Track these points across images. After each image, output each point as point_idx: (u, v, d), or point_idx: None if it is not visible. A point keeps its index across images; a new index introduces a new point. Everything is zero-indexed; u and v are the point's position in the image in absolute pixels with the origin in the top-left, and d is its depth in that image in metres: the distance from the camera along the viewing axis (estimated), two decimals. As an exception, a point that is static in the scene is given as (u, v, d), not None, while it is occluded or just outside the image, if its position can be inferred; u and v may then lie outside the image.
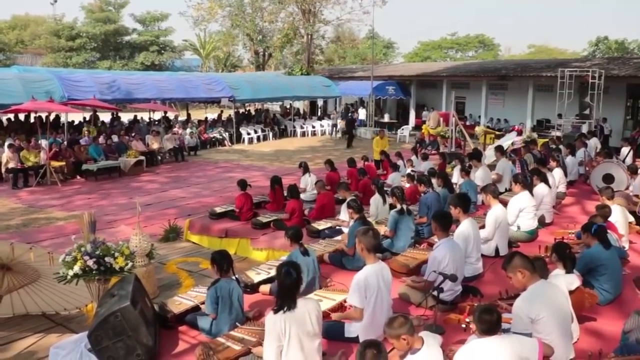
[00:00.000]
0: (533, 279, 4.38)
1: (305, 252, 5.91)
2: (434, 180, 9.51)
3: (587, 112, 19.41)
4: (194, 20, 35.31)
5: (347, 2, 33.60)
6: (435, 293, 4.98)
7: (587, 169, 13.88)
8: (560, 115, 22.45)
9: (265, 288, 6.01)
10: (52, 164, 15.33)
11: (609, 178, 11.45)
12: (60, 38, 47.32)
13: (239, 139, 25.09)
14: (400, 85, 31.45)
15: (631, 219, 8.15)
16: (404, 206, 7.53)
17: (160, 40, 50.86)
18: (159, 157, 19.19)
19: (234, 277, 5.19)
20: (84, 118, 23.46)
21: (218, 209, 10.57)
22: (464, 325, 4.64)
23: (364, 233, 4.86)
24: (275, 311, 4.03)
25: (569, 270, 5.21)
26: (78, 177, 16.37)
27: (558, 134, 20.24)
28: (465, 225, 6.26)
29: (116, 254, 5.29)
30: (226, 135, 24.61)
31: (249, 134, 25.37)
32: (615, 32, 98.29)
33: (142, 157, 17.46)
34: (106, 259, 5.23)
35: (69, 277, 5.21)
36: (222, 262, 5.10)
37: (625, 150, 14.79)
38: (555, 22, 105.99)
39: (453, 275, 5.00)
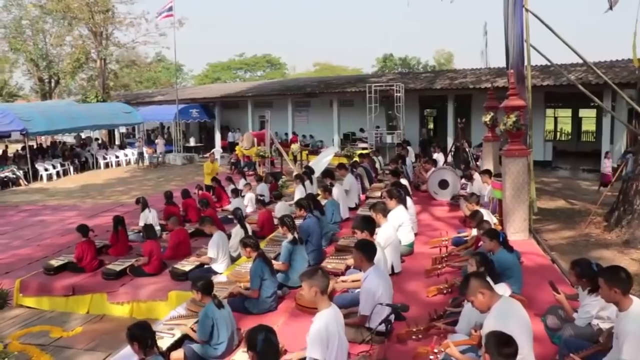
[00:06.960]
0: (494, 297, 4.27)
1: (220, 305, 5.10)
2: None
3: (393, 123, 20.85)
4: (-41, 44, 30.45)
5: (142, 24, 31.40)
6: (382, 327, 4.63)
7: (413, 175, 14.83)
8: (362, 130, 23.96)
9: (179, 355, 4.98)
10: None
11: (444, 183, 12.27)
12: None
13: (35, 176, 22.06)
14: (204, 107, 30.77)
15: (495, 220, 8.71)
16: (296, 235, 7.02)
17: None
18: (-60, 207, 15.94)
19: (158, 353, 4.21)
20: None
21: (54, 262, 8.95)
22: (431, 357, 4.34)
23: (312, 274, 4.27)
24: None
25: (495, 280, 5.24)
26: None
27: (366, 145, 21.47)
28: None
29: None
30: (20, 173, 21.44)
31: (46, 170, 22.43)
32: (388, 49, 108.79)
33: None
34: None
35: None
36: (146, 336, 4.07)
37: (439, 156, 16.03)
38: (335, 41, 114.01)
39: (404, 306, 4.69)
